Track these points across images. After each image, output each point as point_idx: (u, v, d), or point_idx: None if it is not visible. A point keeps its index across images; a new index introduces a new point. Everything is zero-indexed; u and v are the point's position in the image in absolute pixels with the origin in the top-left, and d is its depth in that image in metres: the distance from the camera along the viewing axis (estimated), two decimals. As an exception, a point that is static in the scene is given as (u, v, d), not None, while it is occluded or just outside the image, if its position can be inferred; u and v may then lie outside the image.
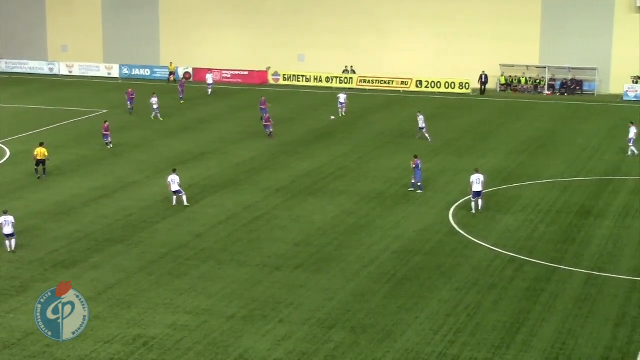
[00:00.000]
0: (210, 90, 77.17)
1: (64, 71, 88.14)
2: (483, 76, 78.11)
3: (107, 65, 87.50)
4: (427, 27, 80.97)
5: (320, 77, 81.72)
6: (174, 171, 44.37)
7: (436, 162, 52.64)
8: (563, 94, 77.85)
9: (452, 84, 78.62)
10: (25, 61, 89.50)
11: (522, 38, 78.44)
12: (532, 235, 39.53)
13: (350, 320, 30.33)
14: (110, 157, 54.11)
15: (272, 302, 31.93)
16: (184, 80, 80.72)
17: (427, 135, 58.06)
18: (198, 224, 41.06)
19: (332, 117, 63.46)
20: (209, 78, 78.19)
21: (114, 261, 36.23)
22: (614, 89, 76.83)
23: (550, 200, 44.77)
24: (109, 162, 52.93)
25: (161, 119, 65.46)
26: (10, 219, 37.15)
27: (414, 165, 45.81)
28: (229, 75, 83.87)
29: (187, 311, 31.12)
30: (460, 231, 39.96)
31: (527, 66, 79.20)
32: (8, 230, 37.01)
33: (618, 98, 75.28)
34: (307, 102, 74.45)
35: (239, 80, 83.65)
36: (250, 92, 77.53)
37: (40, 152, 48.88)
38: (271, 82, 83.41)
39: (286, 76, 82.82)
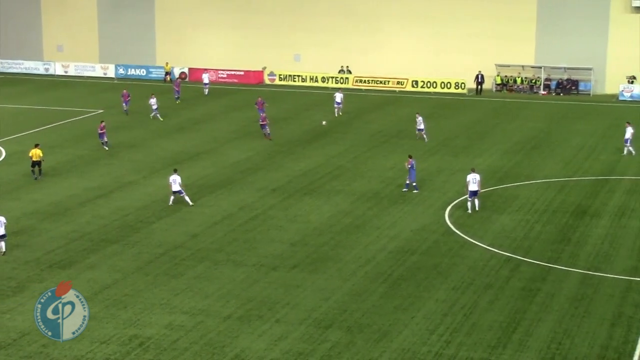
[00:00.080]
0: (207, 90, 77.14)
1: (59, 71, 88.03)
2: (479, 76, 78.14)
3: (102, 65, 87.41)
4: (422, 27, 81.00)
5: (316, 77, 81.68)
6: (175, 171, 44.33)
7: (432, 161, 52.65)
8: (559, 93, 77.90)
9: (448, 84, 78.63)
10: (21, 61, 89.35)
11: (517, 38, 78.53)
12: (528, 235, 39.56)
13: (347, 320, 30.33)
14: (106, 157, 54.02)
15: (269, 302, 31.92)
16: (179, 80, 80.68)
17: (424, 135, 58.12)
18: (194, 224, 41.05)
19: (324, 122, 63.33)
20: (206, 77, 78.16)
21: (110, 261, 36.20)
22: (610, 88, 76.88)
23: (546, 200, 44.81)
24: (105, 162, 52.86)
25: (161, 119, 65.43)
26: (1, 219, 36.90)
27: (409, 166, 45.79)
28: (225, 75, 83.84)
29: (184, 311, 31.10)
30: (457, 231, 39.98)
31: (523, 66, 79.24)
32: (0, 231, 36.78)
33: (614, 98, 75.36)
34: (303, 102, 74.43)
35: (235, 80, 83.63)
36: (246, 92, 77.53)
37: (35, 153, 48.75)
38: (267, 82, 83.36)
39: (282, 76, 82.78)
